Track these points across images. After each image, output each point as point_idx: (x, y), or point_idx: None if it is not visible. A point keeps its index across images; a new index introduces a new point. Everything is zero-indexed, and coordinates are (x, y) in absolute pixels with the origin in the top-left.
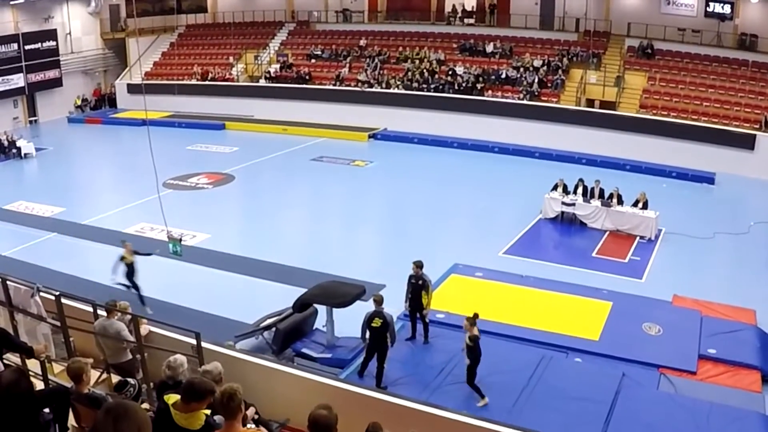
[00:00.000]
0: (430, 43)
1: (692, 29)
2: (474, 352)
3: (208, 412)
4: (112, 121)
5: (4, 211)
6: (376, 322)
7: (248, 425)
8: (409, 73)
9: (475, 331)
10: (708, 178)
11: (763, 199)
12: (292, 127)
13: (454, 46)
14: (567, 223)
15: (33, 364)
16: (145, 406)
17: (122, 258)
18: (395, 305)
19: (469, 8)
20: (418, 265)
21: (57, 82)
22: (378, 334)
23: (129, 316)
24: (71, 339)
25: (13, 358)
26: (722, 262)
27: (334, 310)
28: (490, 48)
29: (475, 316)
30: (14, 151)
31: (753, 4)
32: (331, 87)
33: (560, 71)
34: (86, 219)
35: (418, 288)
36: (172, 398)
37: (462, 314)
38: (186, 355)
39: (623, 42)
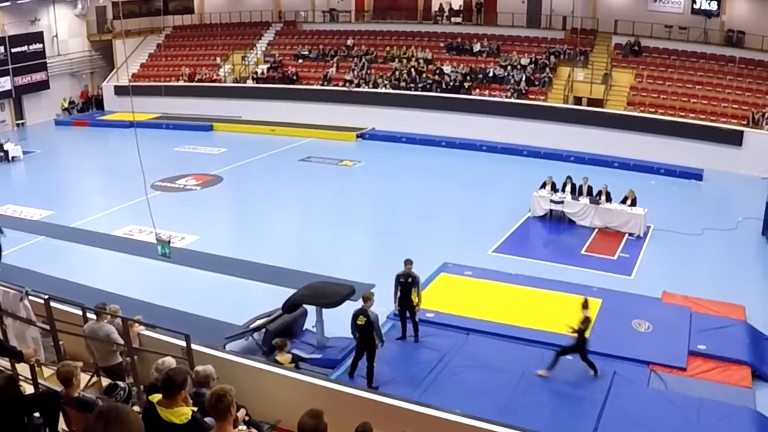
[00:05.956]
0: (417, 42)
1: (679, 26)
2: (582, 334)
3: (195, 408)
4: (99, 124)
5: None
6: (360, 320)
7: (239, 427)
8: (397, 73)
9: (587, 313)
10: (696, 175)
11: (751, 195)
12: (279, 128)
13: (442, 45)
14: (555, 220)
15: (23, 368)
16: (136, 408)
17: None
18: (384, 305)
19: (456, 7)
20: (409, 262)
21: (44, 85)
22: (363, 332)
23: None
24: (61, 342)
25: (2, 363)
26: (711, 259)
27: (324, 310)
28: (477, 47)
29: (585, 300)
30: (2, 154)
31: (740, 0)
32: (318, 87)
33: (547, 69)
34: (74, 222)
35: (407, 286)
36: (156, 397)
37: (452, 313)
38: (176, 358)
39: (610, 39)
